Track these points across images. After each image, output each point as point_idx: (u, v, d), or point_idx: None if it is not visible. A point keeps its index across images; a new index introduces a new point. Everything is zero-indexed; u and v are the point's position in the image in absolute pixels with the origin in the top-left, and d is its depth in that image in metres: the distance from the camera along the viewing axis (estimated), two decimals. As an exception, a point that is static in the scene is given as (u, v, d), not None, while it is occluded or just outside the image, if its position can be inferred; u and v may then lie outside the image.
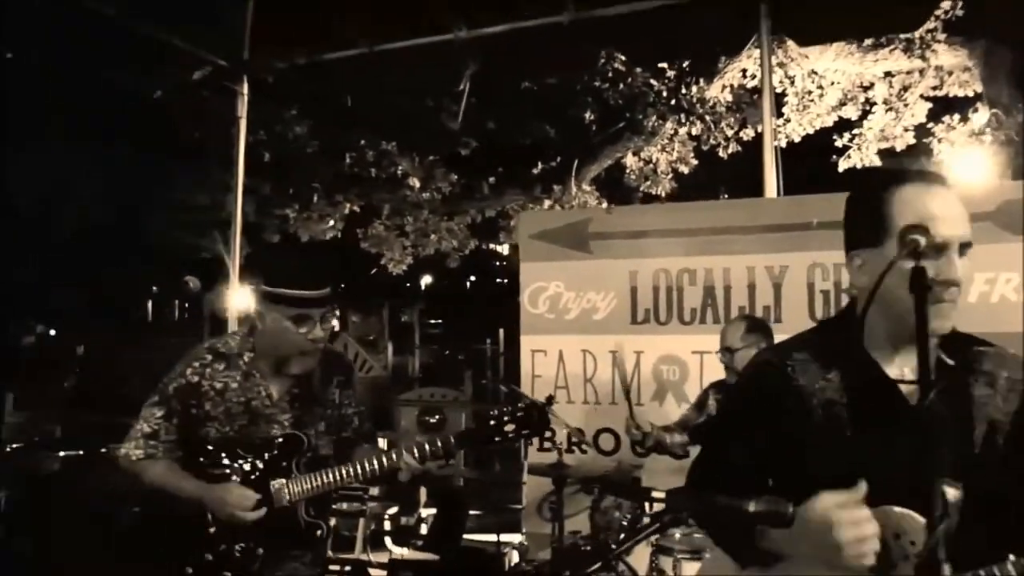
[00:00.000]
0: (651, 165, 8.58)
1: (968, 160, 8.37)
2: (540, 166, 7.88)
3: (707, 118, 7.44)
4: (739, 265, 4.54)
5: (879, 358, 1.75)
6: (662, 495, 1.94)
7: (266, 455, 2.64)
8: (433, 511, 5.31)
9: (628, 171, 8.50)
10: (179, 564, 2.58)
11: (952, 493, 1.61)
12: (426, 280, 21.31)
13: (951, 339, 1.76)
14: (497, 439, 2.64)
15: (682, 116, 7.40)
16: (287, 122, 6.71)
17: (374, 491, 5.41)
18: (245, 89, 5.89)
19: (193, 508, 2.56)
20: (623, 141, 7.90)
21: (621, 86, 7.55)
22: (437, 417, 8.16)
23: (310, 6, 5.52)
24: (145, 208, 8.25)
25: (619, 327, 4.76)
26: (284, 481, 2.59)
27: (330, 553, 5.19)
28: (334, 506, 5.43)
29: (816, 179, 9.96)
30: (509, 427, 2.63)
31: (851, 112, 9.17)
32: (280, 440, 2.66)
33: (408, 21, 5.32)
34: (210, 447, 2.64)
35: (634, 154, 8.46)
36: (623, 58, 6.52)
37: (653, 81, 8.15)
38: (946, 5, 5.03)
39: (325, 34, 5.61)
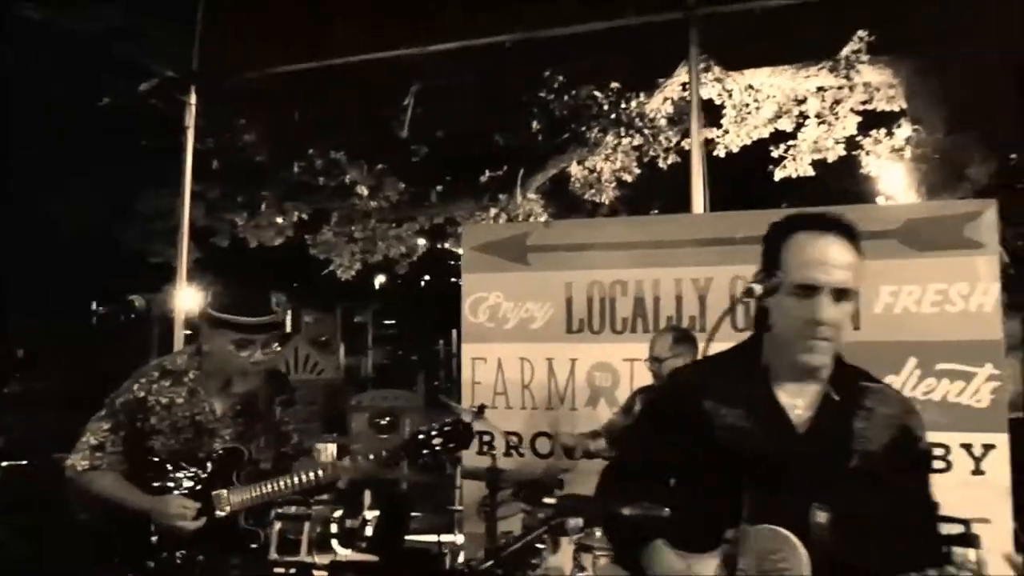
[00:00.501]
0: (595, 174, 8.81)
1: (888, 175, 8.80)
2: (488, 175, 8.06)
3: (645, 131, 7.68)
4: (668, 277, 4.77)
5: (778, 388, 1.94)
6: (553, 500, 2.15)
7: (208, 467, 2.79)
8: (377, 513, 5.46)
9: (573, 180, 8.73)
10: (122, 571, 2.71)
11: (822, 516, 1.81)
12: (380, 280, 21.31)
13: (841, 374, 1.95)
14: (425, 452, 2.84)
15: (622, 129, 7.65)
16: (237, 130, 6.79)
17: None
18: (193, 100, 5.98)
19: (137, 517, 2.68)
20: (567, 152, 8.12)
21: (566, 98, 7.79)
22: (388, 420, 8.28)
23: (260, 20, 5.62)
24: (97, 212, 8.25)
25: (555, 336, 4.96)
26: (224, 492, 2.74)
27: (275, 555, 5.32)
28: (280, 510, 5.55)
29: (754, 187, 10.38)
30: (436, 441, 2.83)
31: (786, 124, 9.51)
32: (221, 453, 2.82)
33: (357, 37, 5.47)
34: (155, 459, 2.79)
35: (578, 163, 8.69)
36: (561, 78, 6.72)
37: (597, 93, 8.38)
38: (862, 33, 5.33)
39: (275, 47, 5.73)
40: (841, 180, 9.73)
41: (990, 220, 4.28)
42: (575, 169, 8.74)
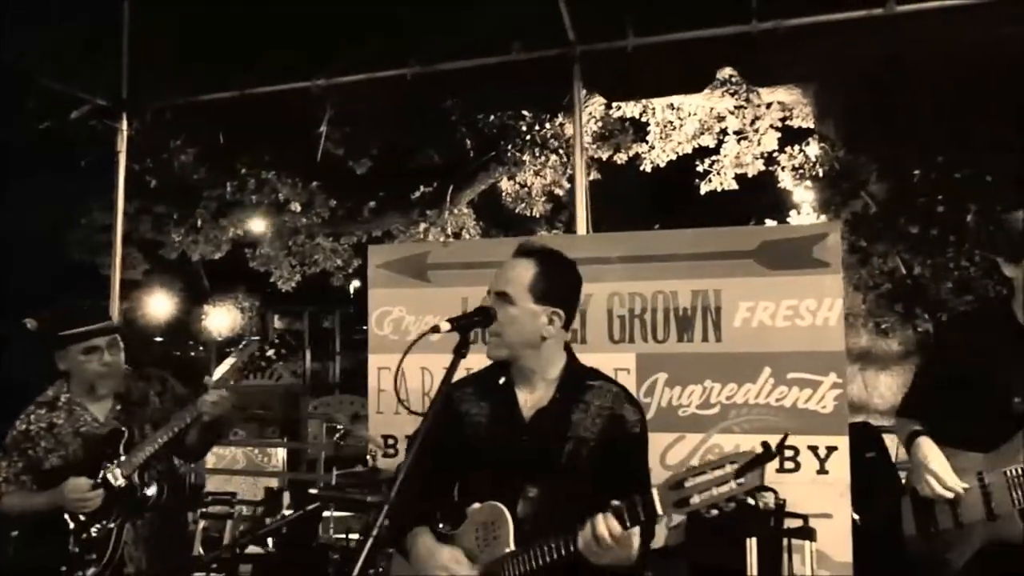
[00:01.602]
0: (526, 189, 9.15)
1: (799, 190, 9.21)
2: (421, 190, 8.35)
3: (560, 151, 8.02)
4: (553, 293, 5.08)
5: (518, 390, 2.30)
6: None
7: (92, 450, 3.16)
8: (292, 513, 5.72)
9: (504, 194, 9.05)
10: (55, 565, 3.03)
11: (532, 491, 2.15)
12: (355, 285, 21.53)
13: (569, 375, 2.31)
14: (264, 364, 3.27)
15: (537, 149, 7.98)
16: (172, 152, 7.03)
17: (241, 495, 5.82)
18: (124, 126, 6.22)
19: (50, 515, 3.06)
20: (493, 169, 8.43)
21: (491, 119, 8.11)
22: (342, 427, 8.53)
23: (184, 52, 5.86)
24: (47, 226, 8.45)
25: (452, 347, 5.24)
26: (112, 464, 3.10)
27: (200, 551, 5.59)
28: (205, 510, 5.83)
29: (681, 200, 10.78)
30: (270, 354, 3.24)
31: (709, 140, 9.92)
32: (102, 436, 3.16)
33: (274, 68, 5.74)
34: (56, 471, 3.13)
35: (509, 179, 9.01)
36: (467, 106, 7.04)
37: (517, 116, 8.69)
38: (725, 73, 5.67)
39: (199, 75, 5.98)
40: (761, 194, 10.18)
41: (835, 242, 4.62)
42: (506, 184, 9.06)
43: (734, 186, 10.06)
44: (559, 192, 9.34)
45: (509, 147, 7.87)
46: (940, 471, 2.69)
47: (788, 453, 4.59)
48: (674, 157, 9.73)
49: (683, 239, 4.96)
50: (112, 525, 3.07)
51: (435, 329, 2.24)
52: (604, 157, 9.95)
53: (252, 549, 5.50)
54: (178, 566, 3.42)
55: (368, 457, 4.58)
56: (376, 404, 5.34)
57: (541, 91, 5.35)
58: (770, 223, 8.90)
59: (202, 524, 5.68)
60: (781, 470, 4.57)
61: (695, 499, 1.73)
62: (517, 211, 9.08)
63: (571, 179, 9.54)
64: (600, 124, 9.58)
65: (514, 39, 5.07)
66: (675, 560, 4.44)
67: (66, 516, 3.06)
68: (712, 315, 4.75)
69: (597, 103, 8.47)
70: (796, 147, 9.21)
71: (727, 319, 4.71)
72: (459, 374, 2.39)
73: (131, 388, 3.31)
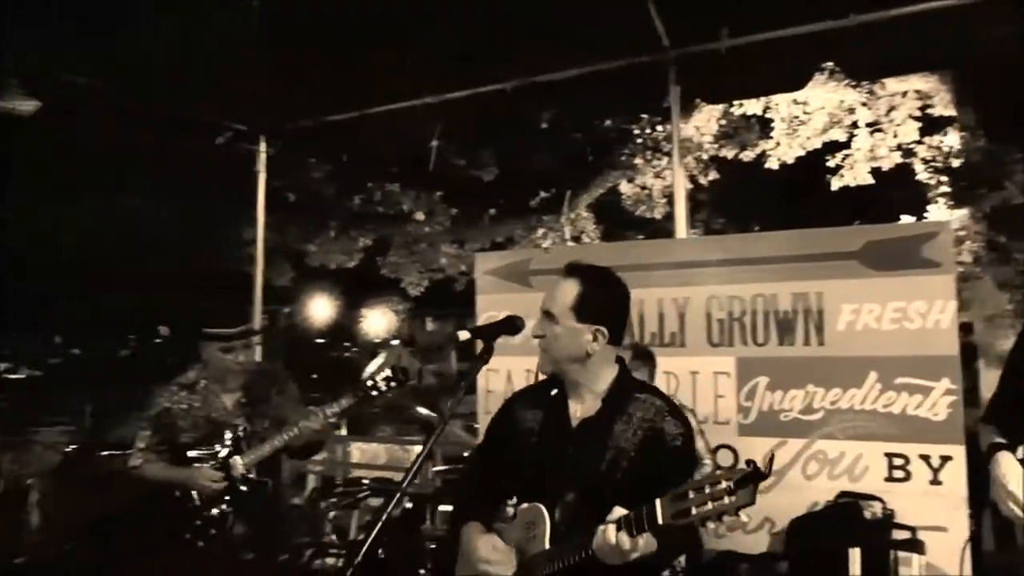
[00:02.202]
0: (646, 191, 9.07)
1: (939, 182, 8.58)
2: (540, 196, 8.48)
3: (671, 154, 7.89)
4: (651, 297, 5.06)
5: (571, 401, 2.38)
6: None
7: (223, 444, 3.51)
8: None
9: (624, 197, 9.01)
10: (180, 532, 3.43)
11: (569, 496, 2.23)
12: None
13: (617, 387, 2.36)
14: (375, 395, 3.50)
15: (648, 153, 7.91)
16: (308, 169, 7.54)
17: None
18: (263, 148, 6.77)
19: (182, 488, 3.44)
20: (607, 173, 8.43)
21: (608, 123, 8.11)
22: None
23: (312, 79, 6.29)
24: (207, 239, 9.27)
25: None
26: (237, 458, 3.45)
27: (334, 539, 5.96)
28: (335, 499, 6.21)
29: (811, 197, 10.31)
30: (381, 384, 3.47)
31: (839, 134, 9.42)
32: (228, 425, 3.54)
33: (388, 88, 6.06)
34: (187, 447, 3.52)
35: (629, 182, 8.96)
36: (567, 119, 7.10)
37: (644, 116, 8.64)
38: (828, 65, 5.40)
39: (326, 98, 6.40)
40: (898, 189, 9.56)
41: (946, 240, 4.33)
42: (626, 187, 9.02)
43: (869, 180, 9.52)
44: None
45: (624, 151, 7.85)
46: (1017, 491, 2.51)
47: (898, 461, 4.37)
48: (802, 153, 9.35)
49: (782, 241, 4.81)
50: (228, 509, 3.42)
51: (454, 338, 2.35)
52: (729, 156, 9.72)
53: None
54: (282, 551, 3.70)
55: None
56: (484, 404, 5.53)
57: (638, 97, 5.32)
58: (907, 219, 8.38)
59: (332, 513, 6.04)
60: (890, 479, 4.36)
61: (694, 511, 1.75)
62: (637, 213, 9.03)
63: (693, 179, 9.39)
64: (723, 122, 9.37)
65: (608, 47, 5.09)
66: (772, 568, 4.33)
67: (193, 493, 3.43)
68: (814, 318, 4.58)
69: (714, 108, 8.29)
70: (935, 137, 8.60)
71: (830, 322, 4.53)
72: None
73: (256, 386, 3.66)
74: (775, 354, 4.66)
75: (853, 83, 7.07)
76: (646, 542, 1.92)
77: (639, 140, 7.82)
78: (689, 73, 5.03)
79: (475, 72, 5.46)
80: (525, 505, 2.27)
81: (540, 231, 8.26)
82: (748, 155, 9.74)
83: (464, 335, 2.43)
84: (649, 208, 8.96)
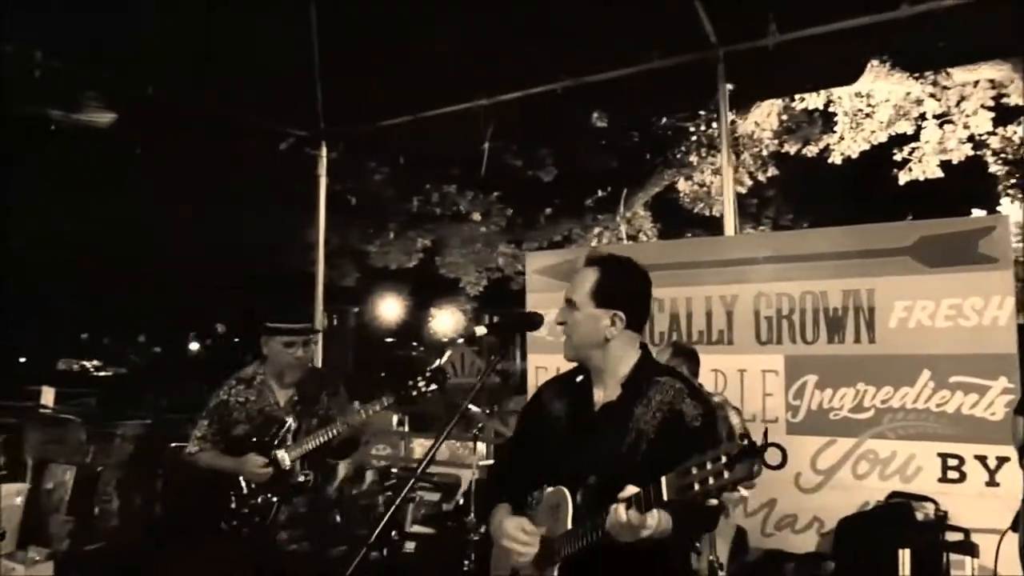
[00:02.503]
0: (704, 188, 8.96)
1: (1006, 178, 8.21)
2: (598, 194, 8.47)
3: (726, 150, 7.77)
4: (699, 295, 5.04)
5: (595, 388, 2.43)
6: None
7: (269, 430, 3.67)
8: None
9: (682, 195, 8.93)
10: (228, 515, 3.62)
11: (592, 479, 2.27)
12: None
13: (637, 371, 2.40)
14: (415, 394, 3.59)
15: (703, 150, 7.82)
16: (368, 172, 7.74)
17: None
18: (324, 152, 7.00)
19: (232, 478, 3.59)
20: (662, 172, 8.36)
21: (664, 121, 8.05)
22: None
23: (369, 83, 6.47)
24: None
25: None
26: (283, 452, 3.60)
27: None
28: (389, 493, 6.38)
29: (878, 192, 9.99)
30: (420, 385, 3.55)
31: (906, 127, 9.11)
32: (279, 420, 3.68)
33: (442, 92, 6.19)
34: (240, 438, 3.68)
35: (687, 179, 8.88)
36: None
37: (702, 112, 8.53)
38: (878, 58, 5.26)
39: (383, 103, 6.58)
40: (969, 182, 9.17)
41: (1003, 235, 4.20)
42: (683, 185, 8.93)
43: (938, 174, 9.17)
44: (741, 190, 9.05)
45: (679, 149, 7.79)
46: None
47: (952, 462, 4.26)
48: (867, 147, 9.08)
49: (832, 237, 4.73)
50: (273, 499, 3.58)
51: (472, 334, 2.43)
52: (792, 151, 9.51)
53: (419, 529, 5.95)
54: (335, 542, 3.84)
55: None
56: (534, 401, 5.59)
57: (692, 94, 5.31)
58: (978, 213, 8.06)
59: (410, 506, 6.20)
60: (944, 480, 4.25)
61: (696, 487, 1.78)
62: (696, 211, 8.94)
63: (752, 176, 9.23)
64: (785, 117, 9.19)
65: (655, 46, 5.10)
66: (819, 568, 4.28)
67: (241, 481, 3.59)
68: (864, 315, 4.50)
69: (771, 105, 8.14)
70: (1008, 128, 8.23)
71: (881, 319, 4.44)
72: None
73: (309, 385, 3.81)
74: (824, 352, 4.59)
75: (917, 75, 6.83)
76: (657, 520, 1.95)
77: (694, 137, 7.75)
78: (739, 70, 4.99)
79: (526, 74, 5.54)
80: (550, 489, 2.32)
81: (596, 230, 8.27)
82: (812, 150, 9.52)
83: (481, 330, 2.49)
84: (707, 206, 8.86)
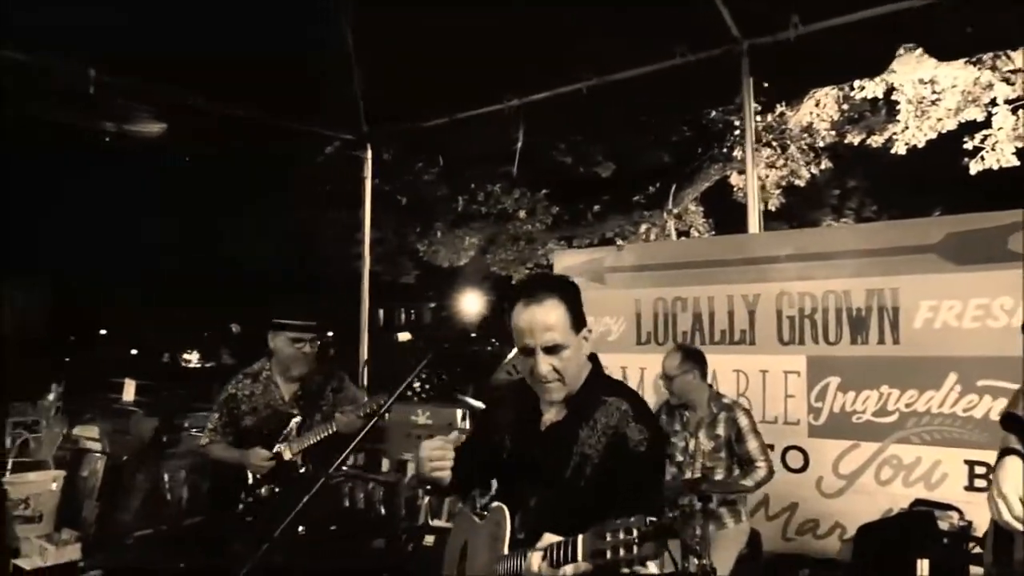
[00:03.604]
0: (759, 182, 8.64)
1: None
2: (648, 190, 8.35)
3: (774, 144, 7.54)
4: (721, 294, 4.91)
5: (543, 407, 2.40)
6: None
7: (274, 423, 3.84)
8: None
9: (736, 189, 8.68)
10: (234, 501, 3.79)
11: (531, 501, 2.25)
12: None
13: (586, 391, 2.35)
14: (410, 394, 3.67)
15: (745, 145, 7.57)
16: (416, 173, 7.87)
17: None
18: (368, 155, 7.17)
19: (239, 468, 3.79)
20: (708, 166, 8.16)
21: (714, 114, 7.85)
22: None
23: (409, 86, 6.59)
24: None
25: (627, 347, 5.31)
26: (285, 444, 3.78)
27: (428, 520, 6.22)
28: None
29: (946, 182, 9.46)
30: (416, 386, 3.64)
31: (976, 114, 8.59)
32: (284, 413, 3.86)
33: (477, 92, 6.25)
34: (247, 430, 3.85)
35: (740, 173, 8.62)
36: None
37: (756, 105, 8.23)
38: (906, 45, 4.97)
39: (423, 105, 6.69)
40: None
41: (1034, 231, 3.94)
42: (736, 179, 8.68)
43: (1014, 162, 8.62)
44: (799, 183, 8.75)
45: (726, 143, 7.58)
46: (1011, 496, 2.27)
47: (980, 470, 4.04)
48: (933, 136, 8.62)
49: (855, 234, 4.56)
50: (277, 489, 3.72)
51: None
52: (855, 142, 9.12)
53: (438, 523, 6.02)
54: (326, 531, 3.92)
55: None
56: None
57: (712, 90, 5.17)
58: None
59: (426, 499, 6.32)
60: (971, 488, 4.04)
61: (608, 554, 1.74)
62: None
63: (814, 166, 8.90)
64: (845, 107, 8.83)
65: (678, 42, 5.00)
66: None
67: (248, 473, 3.75)
68: (889, 315, 4.31)
69: (830, 89, 7.82)
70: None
71: (906, 320, 4.24)
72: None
73: (313, 381, 3.95)
74: (847, 353, 4.43)
75: (972, 60, 6.43)
76: (573, 574, 1.90)
77: (737, 131, 7.53)
78: (766, 62, 4.85)
79: (553, 73, 5.53)
80: (495, 504, 2.29)
81: (643, 227, 8.16)
82: (876, 140, 9.11)
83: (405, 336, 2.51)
84: (761, 200, 8.59)
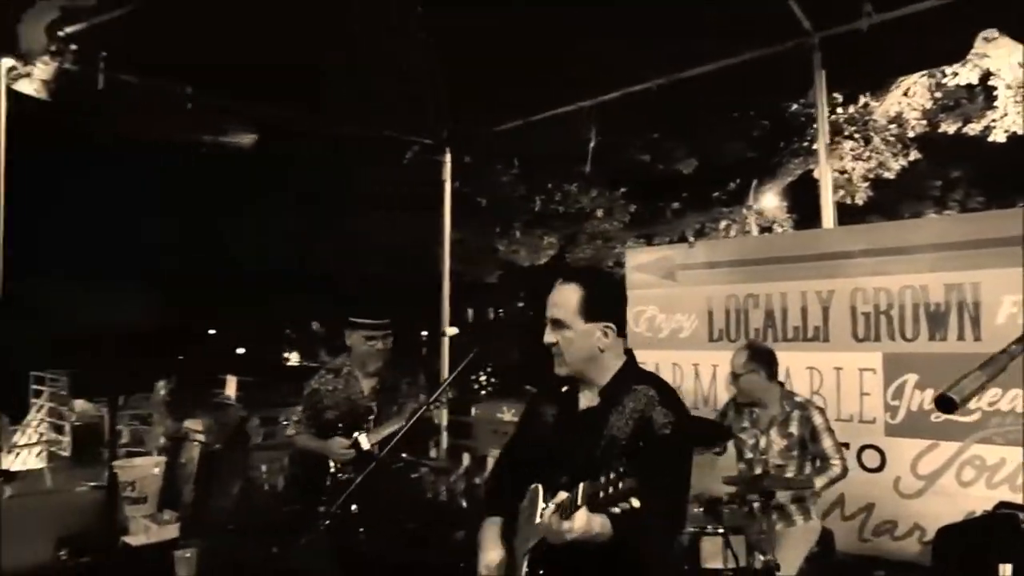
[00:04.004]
0: (845, 175, 8.36)
1: None
2: (728, 186, 8.21)
3: (856, 136, 7.29)
4: (794, 290, 4.84)
5: (580, 394, 2.50)
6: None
7: (354, 415, 4.04)
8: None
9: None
10: (317, 489, 4.02)
11: (562, 479, 2.34)
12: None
13: (617, 378, 2.44)
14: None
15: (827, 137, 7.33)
16: (495, 174, 8.02)
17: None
18: (448, 159, 7.36)
19: (322, 457, 4.02)
20: (792, 160, 7.96)
21: (795, 107, 7.64)
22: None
23: (484, 90, 6.74)
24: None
25: (699, 344, 5.29)
26: (364, 435, 3.95)
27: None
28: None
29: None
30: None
31: (1085, 95, 8.04)
32: (363, 406, 4.07)
33: (551, 94, 6.34)
34: (329, 422, 4.08)
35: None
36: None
37: (838, 96, 8.01)
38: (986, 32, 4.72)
39: (498, 108, 6.83)
40: None
41: None
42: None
43: None
44: (888, 175, 8.42)
45: (806, 137, 7.38)
46: None
47: (1063, 471, 3.85)
48: (1037, 121, 8.13)
49: (933, 228, 4.41)
50: (356, 478, 3.92)
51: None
52: (950, 131, 8.71)
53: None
54: (408, 522, 4.08)
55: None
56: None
57: (784, 84, 5.08)
58: None
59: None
60: (1059, 490, 3.86)
61: (601, 495, 1.88)
62: (836, 200, 8.34)
63: (903, 157, 8.55)
64: (939, 94, 8.46)
65: (749, 38, 4.95)
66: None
67: (330, 461, 4.00)
68: (969, 311, 4.16)
69: (919, 77, 7.52)
70: None
71: (988, 315, 4.08)
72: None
73: (389, 376, 4.15)
74: (925, 350, 4.29)
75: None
76: (584, 525, 2.01)
77: (815, 124, 7.29)
78: (836, 55, 4.75)
79: (624, 72, 5.56)
80: (532, 485, 2.40)
81: (723, 223, 8.04)
82: (974, 128, 8.67)
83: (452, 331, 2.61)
84: (849, 194, 8.32)
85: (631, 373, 2.46)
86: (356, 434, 3.96)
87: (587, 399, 2.46)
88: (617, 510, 1.91)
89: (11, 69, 4.99)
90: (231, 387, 9.59)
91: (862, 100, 7.38)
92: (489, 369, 3.71)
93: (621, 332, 2.47)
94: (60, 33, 4.95)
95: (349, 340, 4.13)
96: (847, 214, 9.04)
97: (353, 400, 4.10)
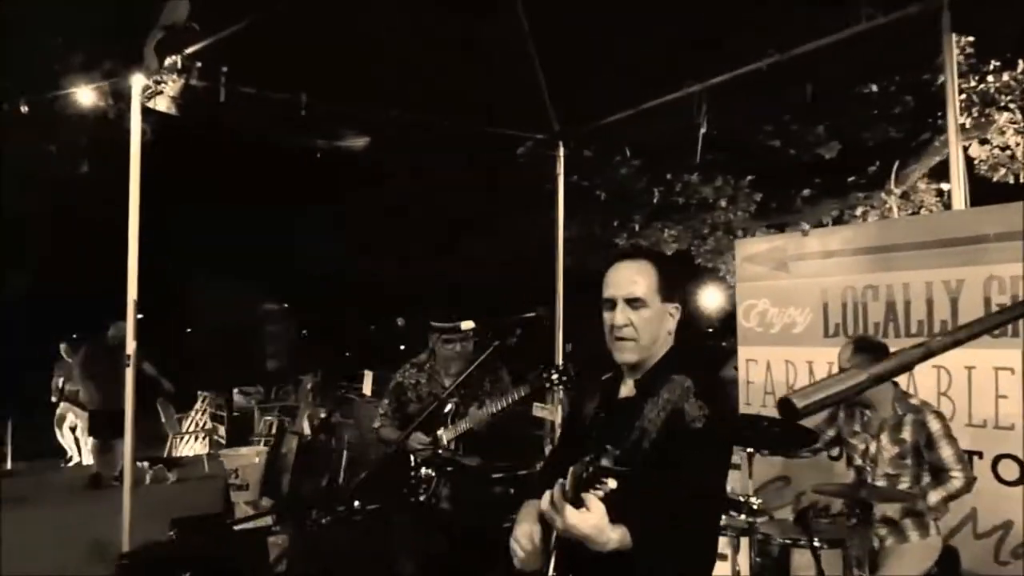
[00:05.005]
0: (1007, 151, 7.37)
1: None
2: (867, 170, 7.52)
3: (1011, 106, 6.40)
4: (918, 280, 4.32)
5: (623, 382, 2.36)
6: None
7: (435, 410, 4.00)
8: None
9: (977, 162, 7.48)
10: (401, 482, 4.07)
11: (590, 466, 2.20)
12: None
13: (656, 367, 2.27)
14: (548, 387, 3.79)
15: (975, 109, 6.51)
16: (612, 167, 7.79)
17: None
18: (561, 152, 7.25)
19: (404, 448, 4.04)
20: (938, 140, 7.14)
21: (941, 78, 6.77)
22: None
23: (592, 83, 6.58)
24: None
25: (814, 340, 4.85)
26: (442, 430, 3.99)
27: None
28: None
29: None
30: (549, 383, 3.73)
31: None
32: (443, 402, 4.05)
33: (657, 82, 6.07)
34: (412, 416, 4.11)
35: (981, 143, 7.40)
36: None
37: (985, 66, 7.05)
38: None
39: (607, 99, 6.64)
40: None
41: None
42: (976, 150, 7.46)
43: None
44: (1062, 151, 7.40)
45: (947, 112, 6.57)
46: None
47: None
48: None
49: (1082, 206, 3.78)
50: (433, 473, 3.91)
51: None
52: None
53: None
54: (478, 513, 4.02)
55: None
56: (745, 395, 5.27)
57: (909, 53, 4.55)
58: None
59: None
60: None
61: (584, 475, 1.88)
62: (996, 179, 7.44)
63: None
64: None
65: (868, 3, 4.49)
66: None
67: (411, 455, 4.00)
68: None
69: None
70: None
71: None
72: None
73: (473, 374, 4.10)
74: (1074, 347, 3.71)
75: None
76: (579, 517, 1.90)
77: (962, 96, 6.50)
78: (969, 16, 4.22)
79: (730, 54, 5.21)
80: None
81: (860, 209, 7.36)
82: None
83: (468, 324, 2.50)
84: (1010, 172, 7.37)
85: (673, 360, 2.30)
86: (437, 430, 3.96)
87: (627, 388, 2.33)
88: (601, 493, 1.85)
89: (145, 88, 5.41)
90: (368, 383, 9.97)
91: (1021, 65, 6.50)
92: (562, 366, 3.56)
93: (684, 314, 2.31)
94: (187, 51, 5.29)
95: (431, 342, 4.16)
96: (1003, 195, 8.05)
97: (435, 395, 4.11)
